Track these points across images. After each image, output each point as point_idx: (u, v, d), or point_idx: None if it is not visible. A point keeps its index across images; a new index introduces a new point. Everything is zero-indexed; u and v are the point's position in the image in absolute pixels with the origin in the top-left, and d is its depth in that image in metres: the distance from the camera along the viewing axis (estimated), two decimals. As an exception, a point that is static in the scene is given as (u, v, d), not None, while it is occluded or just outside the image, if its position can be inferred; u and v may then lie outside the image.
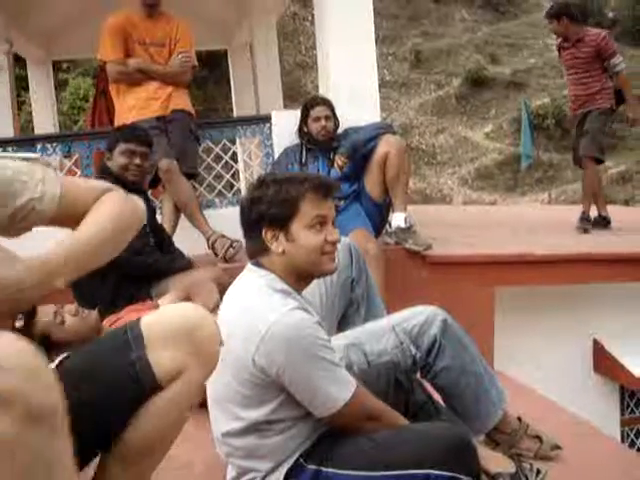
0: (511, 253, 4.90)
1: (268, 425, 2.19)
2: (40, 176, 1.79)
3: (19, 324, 1.97)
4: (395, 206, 4.75)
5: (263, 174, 2.52)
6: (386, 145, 4.68)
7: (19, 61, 9.52)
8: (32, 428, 1.28)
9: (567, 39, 6.52)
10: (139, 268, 3.86)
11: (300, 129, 4.98)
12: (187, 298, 3.58)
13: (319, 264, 2.31)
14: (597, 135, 6.40)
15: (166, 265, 4.00)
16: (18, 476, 1.28)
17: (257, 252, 2.31)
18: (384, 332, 2.63)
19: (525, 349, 4.76)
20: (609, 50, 6.34)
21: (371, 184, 4.77)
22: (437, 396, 2.70)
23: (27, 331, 2.61)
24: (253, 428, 2.20)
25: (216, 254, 4.70)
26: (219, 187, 5.63)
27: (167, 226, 4.71)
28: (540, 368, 4.62)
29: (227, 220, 4.59)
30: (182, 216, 4.88)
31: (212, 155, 5.61)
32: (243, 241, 2.45)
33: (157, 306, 3.40)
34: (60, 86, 18.57)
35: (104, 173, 4.07)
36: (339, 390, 2.14)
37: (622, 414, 5.39)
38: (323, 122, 4.84)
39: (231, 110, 10.53)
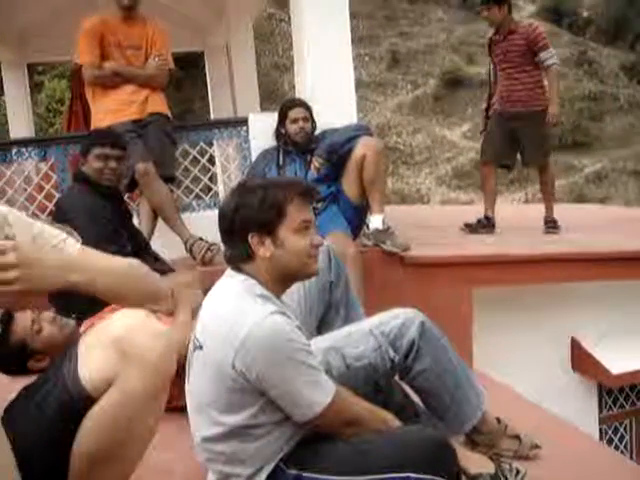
0: (489, 253, 4.92)
1: (248, 430, 2.19)
2: (63, 237, 1.90)
3: None
4: (373, 208, 4.76)
5: (244, 179, 2.52)
6: (363, 147, 4.68)
7: (-6, 64, 9.44)
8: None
9: (498, 31, 6.09)
10: None
11: (277, 131, 4.97)
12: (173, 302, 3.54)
13: (306, 267, 2.33)
14: (541, 142, 6.10)
15: None
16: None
17: (240, 258, 2.30)
18: (362, 335, 2.63)
19: (503, 349, 4.78)
20: (540, 42, 5.94)
21: (349, 186, 4.77)
22: (416, 398, 2.71)
23: (4, 339, 2.61)
24: (233, 433, 2.19)
25: (194, 257, 4.68)
26: (196, 190, 5.61)
27: (145, 230, 4.69)
28: (518, 367, 4.63)
29: (205, 223, 4.59)
30: (160, 220, 4.86)
31: (189, 158, 5.59)
32: (221, 245, 2.44)
33: None
34: (36, 89, 18.42)
35: (79, 178, 4.05)
36: (319, 394, 2.14)
37: (600, 412, 5.44)
38: (301, 123, 4.84)
39: (208, 112, 10.49)
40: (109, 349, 1.70)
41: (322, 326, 3.03)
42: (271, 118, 5.10)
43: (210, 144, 5.77)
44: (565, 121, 26.38)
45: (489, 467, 2.47)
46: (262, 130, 5.19)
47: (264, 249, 2.26)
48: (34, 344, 2.69)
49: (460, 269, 4.78)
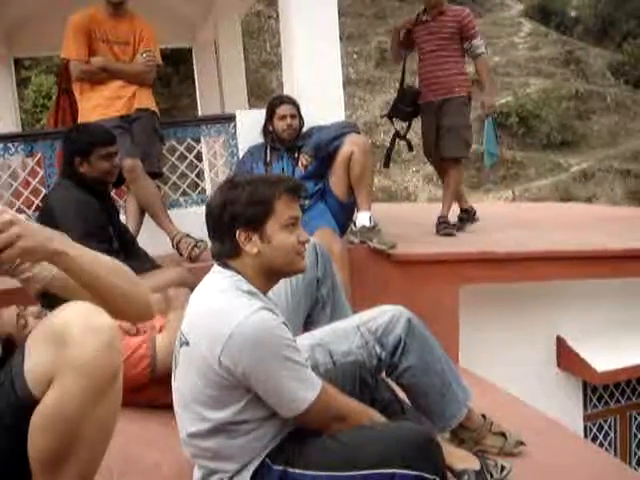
0: (475, 251, 4.93)
1: (234, 426, 2.19)
2: None
3: None
4: (360, 205, 4.77)
5: (232, 175, 2.52)
6: (351, 144, 4.70)
7: (-20, 59, 9.38)
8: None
9: (426, 11, 5.73)
10: None
11: (265, 128, 4.97)
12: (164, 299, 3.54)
13: (293, 263, 2.34)
14: (462, 132, 5.78)
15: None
16: None
17: (227, 254, 2.31)
18: (349, 332, 2.65)
19: (489, 346, 4.80)
20: (472, 29, 5.66)
21: (336, 183, 4.78)
22: (402, 395, 2.72)
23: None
24: (219, 429, 2.20)
25: (181, 254, 4.68)
26: (184, 187, 5.61)
27: (131, 226, 4.68)
28: (504, 365, 4.65)
29: (192, 220, 4.58)
30: (147, 216, 4.85)
31: (176, 154, 5.58)
32: (208, 241, 2.44)
33: None
34: (22, 83, 18.34)
35: (74, 181, 3.99)
36: (305, 390, 2.15)
37: (585, 409, 5.47)
38: (289, 120, 4.84)
39: (196, 108, 10.47)
40: (48, 343, 1.62)
41: (309, 322, 3.04)
42: (258, 115, 5.10)
43: (197, 140, 5.76)
44: (552, 120, 26.47)
45: (474, 463, 2.49)
46: (250, 127, 5.19)
47: (251, 245, 2.26)
48: (20, 339, 2.68)
49: (447, 266, 4.79)
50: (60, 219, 3.84)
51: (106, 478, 2.40)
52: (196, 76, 10.00)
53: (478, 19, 32.82)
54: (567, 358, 5.23)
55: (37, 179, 5.25)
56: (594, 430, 5.52)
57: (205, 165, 6.45)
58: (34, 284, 1.92)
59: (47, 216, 3.96)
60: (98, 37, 4.90)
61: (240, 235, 2.26)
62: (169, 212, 4.92)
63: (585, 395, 5.46)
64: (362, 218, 4.77)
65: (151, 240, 4.59)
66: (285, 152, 4.87)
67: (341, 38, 5.31)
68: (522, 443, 2.84)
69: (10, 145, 5.11)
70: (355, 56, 28.91)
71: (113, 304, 1.84)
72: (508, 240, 5.51)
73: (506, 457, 2.71)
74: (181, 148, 5.58)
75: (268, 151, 4.90)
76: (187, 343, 2.25)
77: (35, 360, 1.62)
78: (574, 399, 5.40)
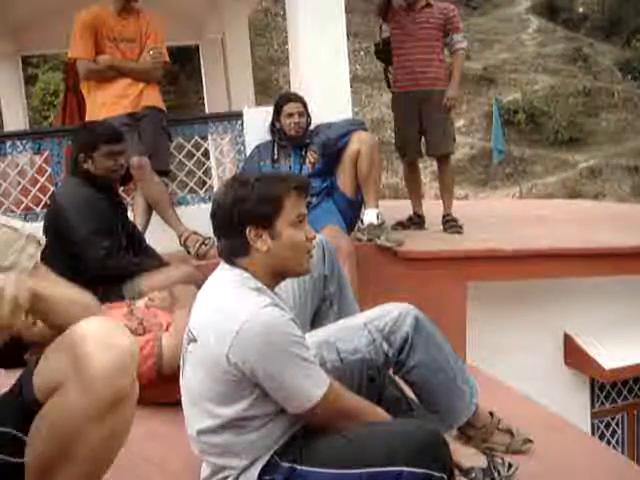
0: (483, 248, 4.93)
1: (242, 422, 2.19)
2: (20, 244, 1.79)
3: None
4: (367, 203, 4.77)
5: (238, 173, 2.51)
6: (358, 142, 4.69)
7: (-13, 56, 9.40)
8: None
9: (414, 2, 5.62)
10: (109, 269, 3.84)
11: (272, 126, 4.97)
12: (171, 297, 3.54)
13: (301, 262, 2.35)
14: (449, 126, 5.75)
15: (135, 267, 3.98)
16: None
17: (236, 252, 2.30)
18: (357, 329, 2.64)
19: (497, 343, 4.80)
20: (456, 23, 5.65)
21: (343, 181, 4.78)
22: (410, 392, 2.72)
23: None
24: (227, 425, 2.20)
25: (188, 251, 4.68)
26: (191, 184, 5.61)
27: (139, 224, 4.68)
28: (512, 362, 4.66)
29: (199, 217, 4.58)
30: (154, 213, 4.86)
31: (184, 152, 5.59)
32: (215, 239, 2.44)
33: (131, 306, 3.38)
34: (30, 81, 18.37)
35: (81, 178, 4.01)
36: (313, 386, 2.15)
37: (592, 406, 5.46)
38: (296, 118, 4.84)
39: (203, 105, 10.47)
40: (63, 352, 1.60)
41: (316, 320, 3.04)
42: (265, 112, 5.10)
43: (205, 138, 5.76)
44: (559, 117, 26.39)
45: (481, 461, 2.49)
46: (257, 124, 5.19)
47: (261, 242, 2.26)
48: (26, 337, 2.68)
49: (454, 264, 4.79)
50: (68, 216, 3.86)
51: (112, 475, 2.41)
52: (203, 73, 10.00)
53: (486, 15, 32.75)
54: (574, 355, 5.22)
55: (45, 177, 5.26)
56: (601, 427, 5.51)
57: (212, 162, 6.45)
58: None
59: (55, 213, 3.98)
60: (105, 35, 4.90)
61: (250, 232, 2.26)
62: (176, 209, 4.92)
63: (592, 392, 5.46)
64: (369, 215, 4.77)
65: (158, 238, 4.60)
66: (292, 150, 4.87)
67: (348, 35, 5.30)
68: (530, 441, 2.83)
69: (18, 143, 5.12)
70: (362, 53, 28.87)
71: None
72: (515, 237, 5.51)
73: (513, 455, 2.71)
74: (188, 146, 5.58)
75: (276, 148, 4.90)
76: (195, 340, 2.25)
77: (46, 366, 1.61)
78: (581, 396, 5.40)
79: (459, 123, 27.95)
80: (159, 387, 3.02)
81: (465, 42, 5.77)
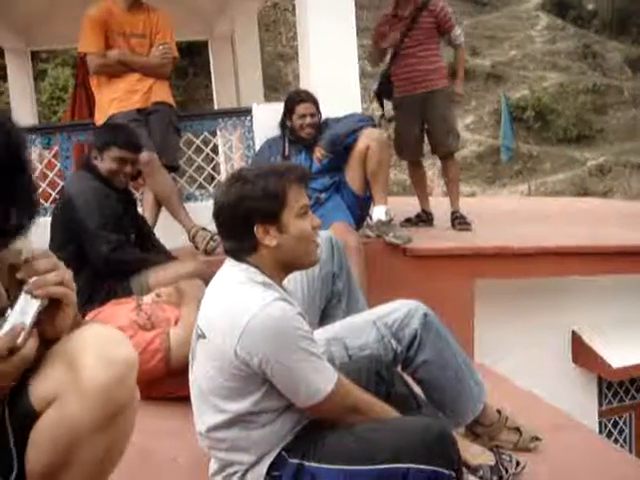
0: (491, 246, 4.92)
1: (251, 417, 2.20)
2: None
3: None
4: (376, 199, 4.76)
5: (237, 171, 2.50)
6: (367, 139, 4.68)
7: (-3, 51, 9.42)
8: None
9: (400, 5, 5.66)
10: (114, 264, 3.85)
11: (282, 123, 4.97)
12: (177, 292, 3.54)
13: (310, 253, 2.35)
14: (453, 124, 5.79)
15: (141, 263, 3.99)
16: None
17: (244, 250, 2.29)
18: (365, 326, 2.65)
19: (505, 341, 4.79)
20: (449, 21, 5.67)
21: (352, 177, 4.77)
22: (418, 389, 2.72)
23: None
24: (236, 420, 2.21)
25: (197, 247, 4.69)
26: (200, 180, 5.62)
27: (148, 219, 4.69)
28: (519, 360, 4.64)
29: (208, 213, 4.56)
30: (163, 209, 4.87)
31: (193, 147, 5.59)
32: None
33: (138, 301, 3.38)
34: (39, 76, 18.40)
35: (91, 173, 4.03)
36: (321, 381, 2.15)
37: (600, 405, 5.45)
38: (308, 120, 4.82)
39: (211, 100, 10.47)
40: (60, 363, 1.56)
41: (324, 317, 3.04)
42: (275, 108, 5.10)
43: (214, 133, 5.77)
44: (568, 114, 26.33)
45: (489, 459, 2.49)
46: (266, 120, 5.19)
47: (270, 238, 2.26)
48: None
49: (462, 261, 4.79)
50: (77, 208, 3.88)
51: (121, 470, 2.42)
52: (212, 69, 10.00)
53: (495, 12, 32.63)
54: (582, 353, 5.21)
55: (54, 171, 5.28)
56: (609, 426, 5.50)
57: (221, 158, 6.46)
58: None
59: (65, 206, 3.99)
60: (115, 30, 4.91)
61: (258, 229, 2.25)
62: (185, 205, 4.93)
63: (600, 391, 5.44)
64: (378, 212, 4.76)
65: (167, 233, 4.60)
66: (303, 145, 4.86)
67: (357, 31, 5.29)
68: (537, 439, 2.83)
69: (28, 137, 5.13)
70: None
71: None
72: (524, 235, 5.50)
73: (521, 452, 2.71)
74: (197, 141, 5.59)
75: (286, 144, 4.90)
76: (204, 336, 2.26)
77: (43, 375, 1.57)
78: (589, 395, 5.39)
79: (467, 120, 27.95)
80: (168, 382, 3.04)
81: (462, 35, 5.82)
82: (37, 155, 5.46)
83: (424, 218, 5.93)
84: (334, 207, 4.66)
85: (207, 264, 4.03)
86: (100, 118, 4.92)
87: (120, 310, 3.30)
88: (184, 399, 2.51)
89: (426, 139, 5.87)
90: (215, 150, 6.04)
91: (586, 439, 3.19)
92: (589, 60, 30.60)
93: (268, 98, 9.32)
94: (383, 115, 6.04)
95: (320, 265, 2.78)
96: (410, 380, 2.71)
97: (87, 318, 3.24)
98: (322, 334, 2.63)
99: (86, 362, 1.52)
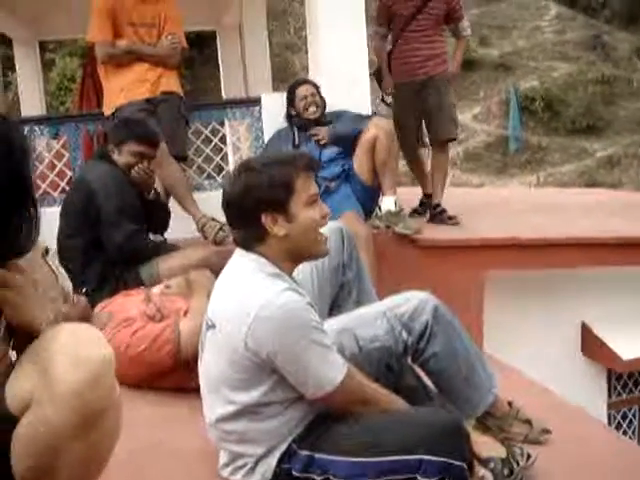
0: (501, 237, 4.90)
1: (260, 408, 2.20)
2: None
3: None
4: (385, 189, 4.74)
5: (245, 160, 2.50)
6: (375, 128, 4.67)
7: (5, 40, 9.41)
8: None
9: None
10: (130, 252, 3.86)
11: (287, 113, 4.97)
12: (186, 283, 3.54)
13: (318, 243, 2.35)
14: (452, 110, 5.60)
15: (156, 251, 4.00)
16: None
17: (252, 240, 2.29)
18: (376, 317, 2.63)
19: (514, 333, 4.78)
20: (459, 11, 5.54)
21: (360, 167, 4.76)
22: (428, 381, 2.71)
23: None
24: (245, 411, 2.21)
25: (205, 237, 4.68)
26: (209, 170, 5.60)
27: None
28: (529, 351, 4.64)
29: (216, 203, 4.55)
30: (172, 199, 4.86)
31: (201, 137, 5.58)
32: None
33: (148, 293, 3.38)
34: (47, 66, 18.39)
35: (110, 163, 4.02)
36: (331, 372, 2.15)
37: (609, 397, 5.44)
38: (310, 99, 4.87)
39: (219, 90, 10.45)
40: (33, 366, 1.53)
41: (334, 307, 3.03)
42: (284, 98, 5.09)
43: (222, 124, 5.75)
44: (577, 105, 26.19)
45: (500, 451, 2.47)
46: (275, 110, 5.19)
47: (278, 227, 2.25)
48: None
49: (472, 252, 4.77)
50: (97, 193, 3.88)
51: (131, 461, 2.42)
52: (220, 59, 9.99)
53: (503, 2, 32.47)
54: (592, 345, 5.20)
55: (63, 161, 5.27)
56: (618, 418, 5.49)
57: (229, 148, 6.45)
58: None
59: (82, 192, 3.97)
60: (123, 20, 4.89)
61: (266, 219, 2.25)
62: (194, 195, 4.92)
63: (609, 383, 5.43)
64: (387, 202, 4.74)
65: (176, 224, 4.59)
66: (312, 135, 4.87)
67: (366, 21, 5.26)
68: (548, 431, 2.81)
69: (36, 128, 5.13)
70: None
71: None
72: (533, 226, 5.48)
73: (532, 445, 2.70)
74: (206, 131, 5.57)
75: (296, 133, 4.89)
76: (213, 327, 2.25)
77: (18, 379, 1.54)
78: (598, 386, 5.38)
79: (475, 110, 27.85)
80: (177, 373, 3.03)
81: (470, 28, 5.73)
82: (45, 145, 5.46)
83: (425, 201, 5.78)
84: (343, 197, 4.65)
85: (217, 253, 4.02)
86: (108, 108, 4.91)
87: (130, 301, 3.30)
88: (194, 390, 2.51)
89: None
90: (224, 140, 6.02)
91: (595, 431, 3.18)
92: (598, 51, 30.43)
93: (276, 88, 9.29)
94: (383, 99, 5.92)
95: (330, 255, 2.77)
96: (420, 372, 2.70)
97: (96, 310, 3.25)
98: (332, 325, 2.62)
99: (58, 368, 1.49)
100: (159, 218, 4.32)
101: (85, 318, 2.96)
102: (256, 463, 2.22)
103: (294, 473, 2.20)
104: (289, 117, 4.99)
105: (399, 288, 2.82)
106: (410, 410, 2.30)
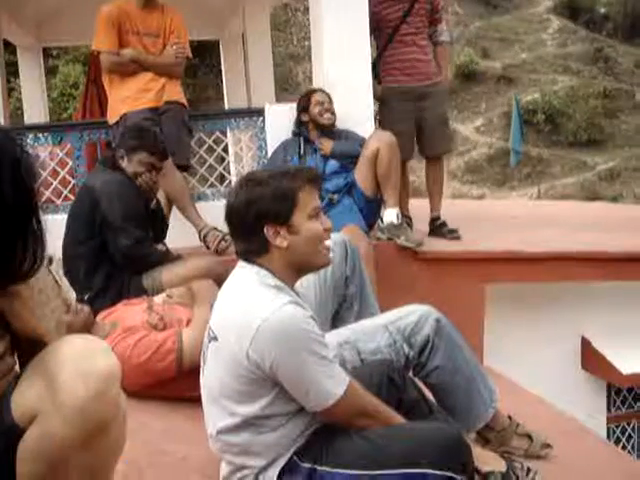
0: (502, 250, 4.91)
1: (262, 421, 2.20)
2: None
3: None
4: (387, 202, 4.75)
5: (248, 173, 2.51)
6: (377, 141, 4.69)
7: (9, 47, 9.43)
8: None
9: None
10: (135, 259, 3.87)
11: (298, 120, 4.97)
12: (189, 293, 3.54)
13: (320, 255, 2.35)
14: (447, 124, 5.41)
15: (160, 259, 4.00)
16: None
17: (255, 251, 2.30)
18: (377, 330, 2.64)
19: (514, 346, 4.78)
20: (439, 12, 5.25)
21: (362, 179, 4.76)
22: (429, 394, 2.71)
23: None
24: (247, 424, 2.21)
25: (208, 247, 4.68)
26: (211, 179, 5.61)
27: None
28: (529, 365, 4.63)
29: (219, 212, 4.56)
30: (174, 208, 4.87)
31: (204, 147, 5.59)
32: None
33: (150, 302, 3.38)
34: (50, 73, 18.45)
35: (115, 170, 4.03)
36: (332, 385, 2.15)
37: (609, 411, 5.43)
38: (327, 105, 4.89)
39: (222, 99, 10.48)
40: (39, 378, 1.53)
41: (336, 320, 3.04)
42: (287, 109, 5.10)
43: (225, 133, 5.76)
44: (579, 118, 26.27)
45: (501, 465, 2.48)
46: (278, 120, 5.19)
47: (280, 239, 2.26)
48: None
49: (473, 265, 4.78)
50: (104, 199, 3.88)
51: (132, 471, 2.42)
52: (223, 68, 10.01)
53: (506, 15, 32.59)
54: (592, 359, 5.19)
55: (66, 169, 5.28)
56: (617, 432, 5.48)
57: (231, 158, 6.46)
58: None
59: (89, 198, 3.98)
60: (128, 29, 4.91)
61: (268, 231, 2.25)
62: (196, 204, 4.93)
63: (609, 397, 5.42)
64: (389, 215, 4.74)
65: (178, 233, 4.60)
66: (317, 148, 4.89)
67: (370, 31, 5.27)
68: (548, 445, 2.82)
69: (40, 135, 5.15)
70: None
71: None
72: (534, 239, 5.48)
73: (532, 459, 2.70)
74: (209, 141, 5.58)
75: (302, 145, 4.90)
76: (216, 338, 2.26)
77: (23, 390, 1.55)
78: (598, 401, 5.36)
79: (477, 122, 27.96)
80: (180, 383, 3.03)
81: (448, 34, 5.51)
82: (48, 152, 5.47)
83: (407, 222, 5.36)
84: (346, 209, 4.66)
85: (219, 263, 4.02)
86: (113, 116, 4.92)
87: (132, 310, 3.31)
88: (196, 400, 2.51)
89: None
90: (227, 150, 6.04)
91: (595, 446, 3.19)
92: (600, 64, 30.54)
93: (279, 98, 9.31)
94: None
95: (333, 268, 2.78)
96: (422, 385, 2.70)
97: (98, 318, 3.25)
98: (334, 337, 2.63)
99: (63, 381, 1.49)
100: (158, 228, 4.33)
101: (88, 327, 2.96)
102: (257, 475, 2.22)
103: (296, 485, 2.20)
104: (299, 124, 4.99)
105: (400, 300, 2.83)
106: (413, 423, 2.31)
